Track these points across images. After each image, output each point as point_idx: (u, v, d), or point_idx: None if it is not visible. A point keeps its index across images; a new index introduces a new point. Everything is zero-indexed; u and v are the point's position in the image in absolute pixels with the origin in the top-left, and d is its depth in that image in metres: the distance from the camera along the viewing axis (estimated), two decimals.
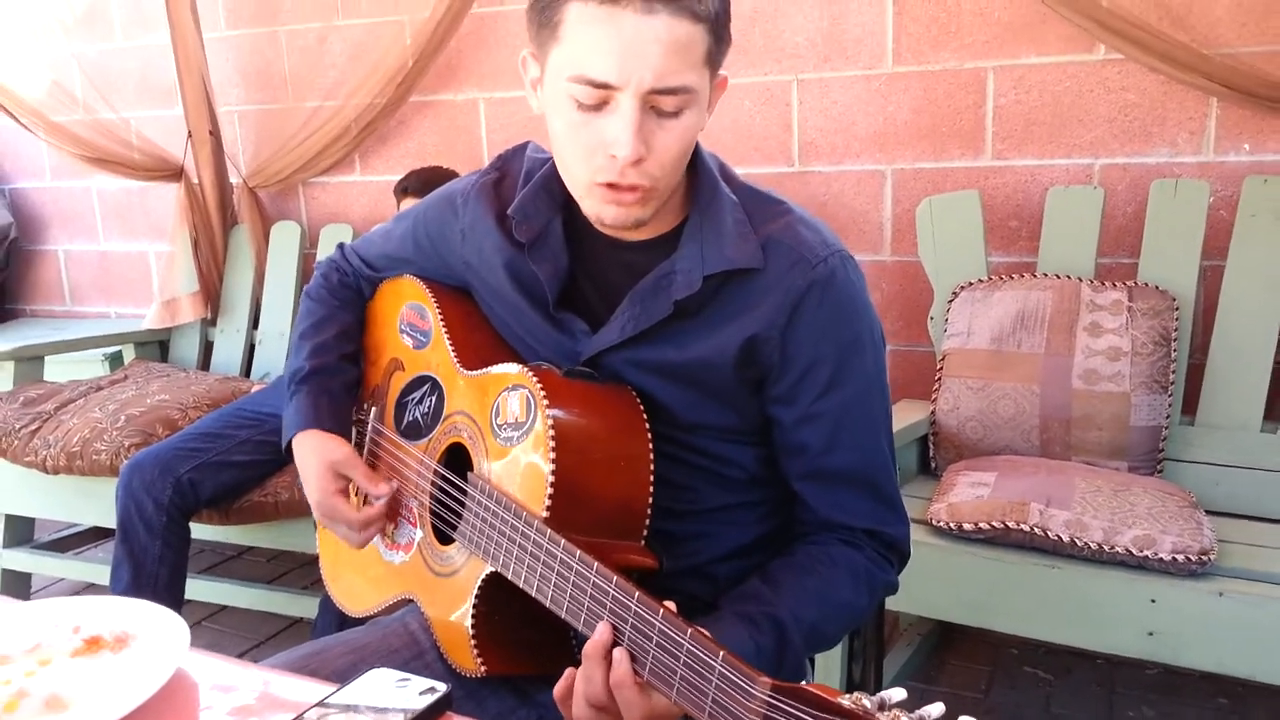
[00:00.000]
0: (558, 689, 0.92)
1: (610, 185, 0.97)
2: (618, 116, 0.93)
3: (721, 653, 0.78)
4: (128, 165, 3.38)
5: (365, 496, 1.22)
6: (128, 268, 3.84)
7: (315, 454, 1.20)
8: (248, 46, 3.41)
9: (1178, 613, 1.73)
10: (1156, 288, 2.21)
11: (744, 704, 0.75)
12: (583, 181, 0.99)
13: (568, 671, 0.92)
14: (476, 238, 1.17)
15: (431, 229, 1.24)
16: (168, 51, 3.34)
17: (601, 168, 0.96)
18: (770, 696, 0.73)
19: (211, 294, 3.39)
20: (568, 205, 1.10)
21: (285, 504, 2.36)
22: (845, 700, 0.69)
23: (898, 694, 0.67)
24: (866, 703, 0.68)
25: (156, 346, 3.41)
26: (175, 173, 3.37)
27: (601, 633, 0.88)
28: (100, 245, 3.87)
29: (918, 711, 0.66)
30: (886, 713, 0.66)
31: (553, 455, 0.97)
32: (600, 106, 0.94)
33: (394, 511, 1.22)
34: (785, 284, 1.02)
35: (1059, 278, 2.30)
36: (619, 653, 0.86)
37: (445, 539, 1.12)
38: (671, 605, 0.85)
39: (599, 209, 1.00)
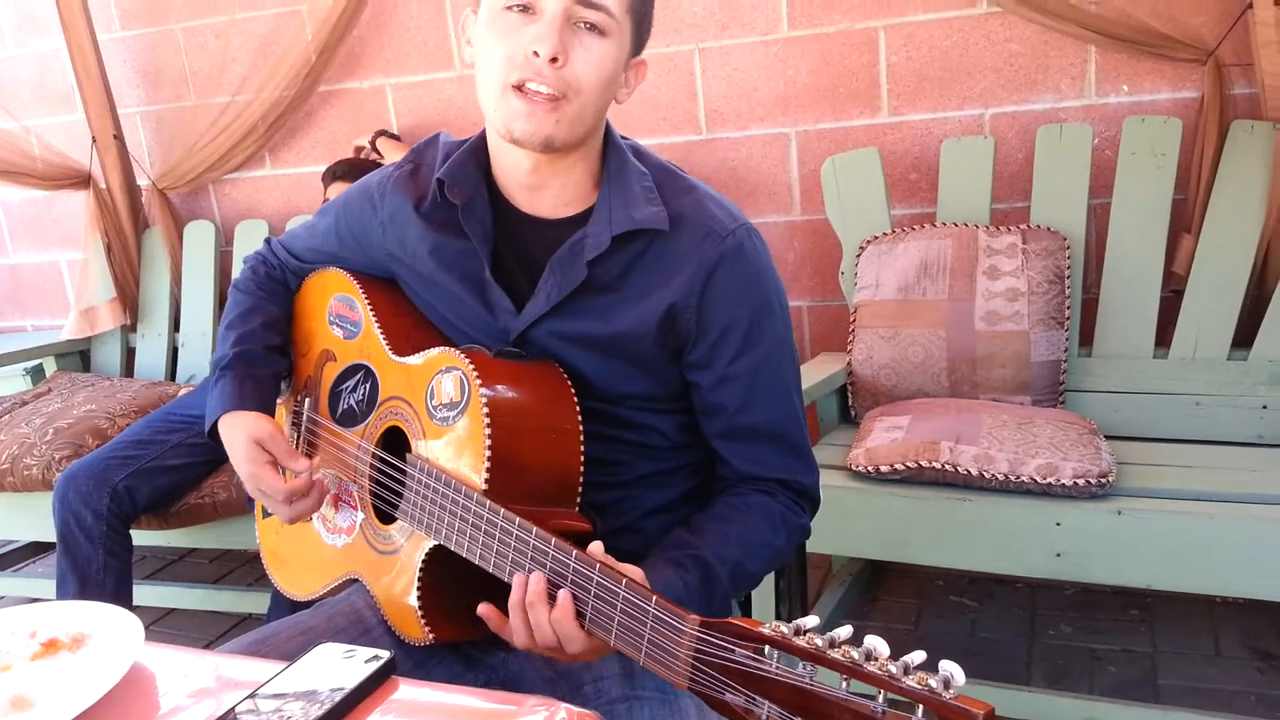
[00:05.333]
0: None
1: (523, 90, 1.03)
2: (542, 23, 1.02)
3: (655, 598, 0.86)
4: (31, 175, 3.30)
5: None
6: (40, 279, 3.77)
7: (240, 431, 1.22)
8: (144, 46, 3.36)
9: (1081, 533, 1.84)
10: (1048, 229, 2.33)
11: (675, 640, 0.83)
12: (499, 84, 1.05)
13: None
14: (398, 228, 1.21)
15: (353, 223, 1.28)
16: (62, 55, 3.28)
17: (519, 66, 1.03)
18: (699, 631, 0.81)
19: (129, 300, 3.35)
20: (490, 182, 1.16)
21: (224, 504, 2.37)
22: (766, 628, 0.77)
23: (845, 632, 0.73)
24: (784, 629, 0.76)
25: (78, 357, 3.37)
26: (82, 179, 3.31)
27: (536, 580, 0.95)
28: (10, 258, 3.79)
29: (865, 644, 0.71)
30: (837, 649, 0.72)
31: (488, 430, 1.03)
32: (527, 10, 1.03)
33: (334, 497, 1.26)
34: (698, 256, 1.10)
35: (957, 226, 2.40)
36: (563, 594, 0.94)
37: (386, 519, 1.17)
38: (598, 546, 0.93)
39: (510, 120, 1.05)
